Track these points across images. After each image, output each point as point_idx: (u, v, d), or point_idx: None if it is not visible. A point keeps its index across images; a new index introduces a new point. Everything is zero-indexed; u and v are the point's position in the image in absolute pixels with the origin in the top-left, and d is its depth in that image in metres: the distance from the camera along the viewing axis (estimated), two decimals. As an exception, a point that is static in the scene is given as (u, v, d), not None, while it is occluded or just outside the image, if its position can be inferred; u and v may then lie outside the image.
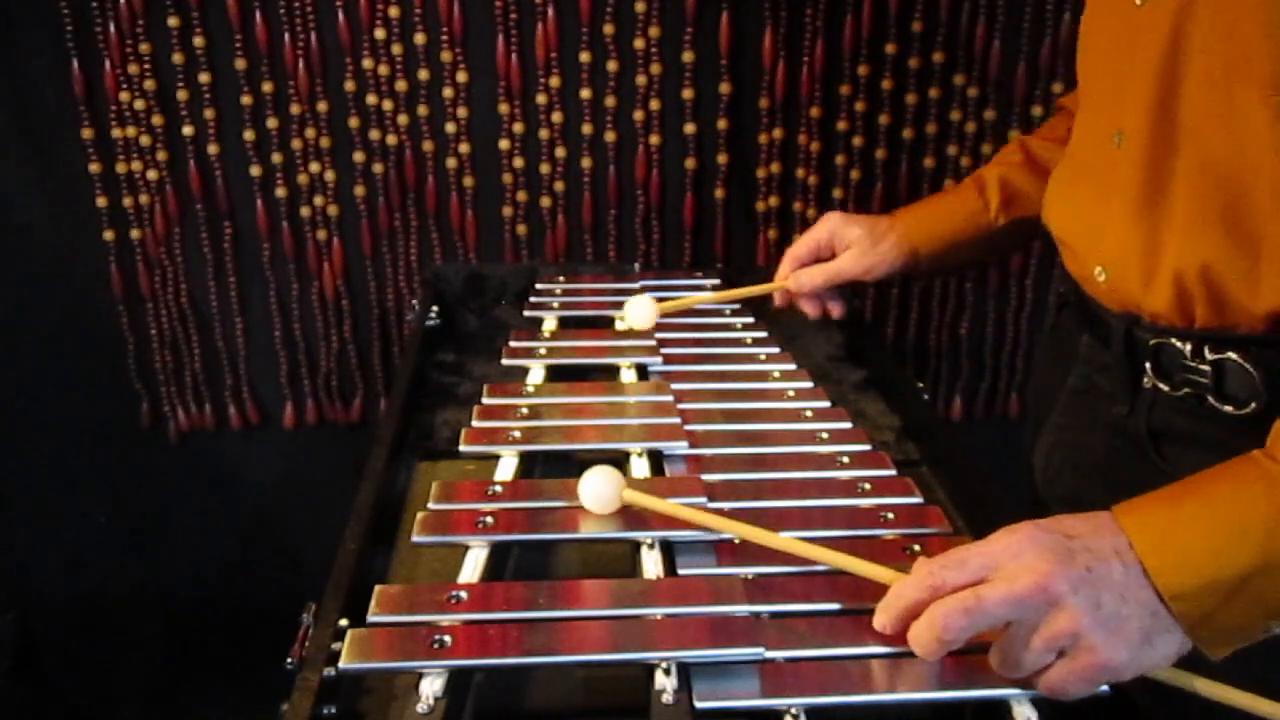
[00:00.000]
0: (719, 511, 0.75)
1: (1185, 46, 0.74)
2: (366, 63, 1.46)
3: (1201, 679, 0.61)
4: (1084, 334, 0.91)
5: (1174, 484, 0.64)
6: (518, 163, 1.52)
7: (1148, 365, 0.81)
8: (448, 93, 1.48)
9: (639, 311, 1.09)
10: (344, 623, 0.65)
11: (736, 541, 0.73)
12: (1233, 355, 0.74)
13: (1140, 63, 0.78)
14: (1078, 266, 0.89)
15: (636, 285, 1.23)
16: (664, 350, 1.05)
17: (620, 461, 0.85)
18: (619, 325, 1.11)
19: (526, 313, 1.17)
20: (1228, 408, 0.75)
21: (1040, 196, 1.01)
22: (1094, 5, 0.88)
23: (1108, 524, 0.62)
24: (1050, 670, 0.59)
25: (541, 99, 1.49)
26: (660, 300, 1.12)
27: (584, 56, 1.47)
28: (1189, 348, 0.77)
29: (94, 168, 1.49)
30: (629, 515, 0.75)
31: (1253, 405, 0.74)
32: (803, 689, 0.60)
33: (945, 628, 0.59)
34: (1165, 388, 0.80)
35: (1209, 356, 0.76)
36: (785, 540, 0.70)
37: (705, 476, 0.81)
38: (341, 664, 0.60)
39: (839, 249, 1.10)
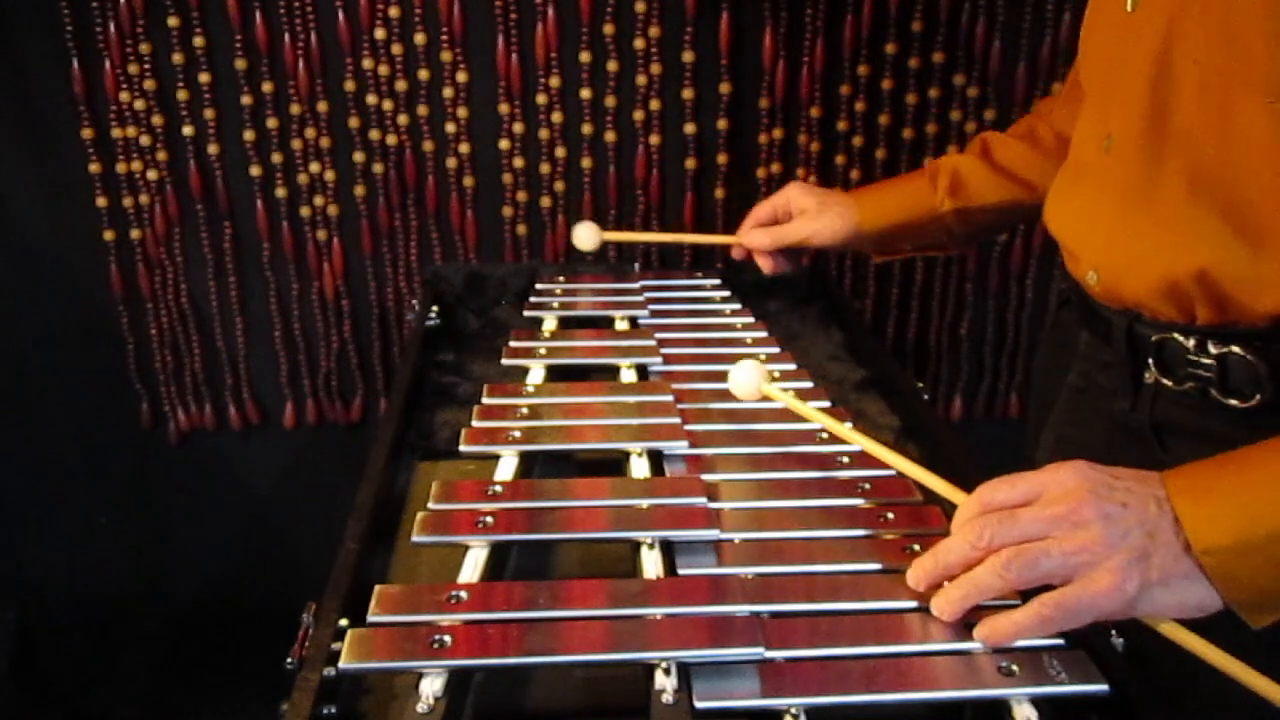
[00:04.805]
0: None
1: (1178, 54, 0.74)
2: (366, 63, 1.46)
3: (1195, 637, 0.61)
4: (1083, 332, 0.91)
5: (1221, 454, 0.66)
6: (518, 163, 1.52)
7: (1150, 361, 0.81)
8: (448, 93, 1.48)
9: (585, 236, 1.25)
10: (344, 623, 0.65)
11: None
12: (1236, 349, 0.74)
13: (1129, 69, 0.78)
14: (1074, 267, 0.89)
15: (636, 285, 1.23)
16: (664, 350, 1.05)
17: (620, 462, 0.85)
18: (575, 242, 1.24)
19: (526, 313, 1.17)
20: (1232, 401, 0.75)
21: (989, 191, 1.08)
22: (1091, 10, 0.88)
23: (1153, 477, 0.65)
24: (1062, 589, 0.61)
25: (541, 99, 1.49)
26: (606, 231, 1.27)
27: (584, 56, 1.47)
28: (1192, 343, 0.77)
29: (94, 168, 1.49)
30: (631, 514, 0.75)
31: (1257, 398, 0.74)
32: (803, 689, 0.60)
33: (979, 535, 0.63)
34: (1168, 382, 0.80)
35: (1213, 351, 0.76)
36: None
37: (705, 476, 0.81)
38: (341, 664, 0.60)
39: (794, 214, 1.16)
